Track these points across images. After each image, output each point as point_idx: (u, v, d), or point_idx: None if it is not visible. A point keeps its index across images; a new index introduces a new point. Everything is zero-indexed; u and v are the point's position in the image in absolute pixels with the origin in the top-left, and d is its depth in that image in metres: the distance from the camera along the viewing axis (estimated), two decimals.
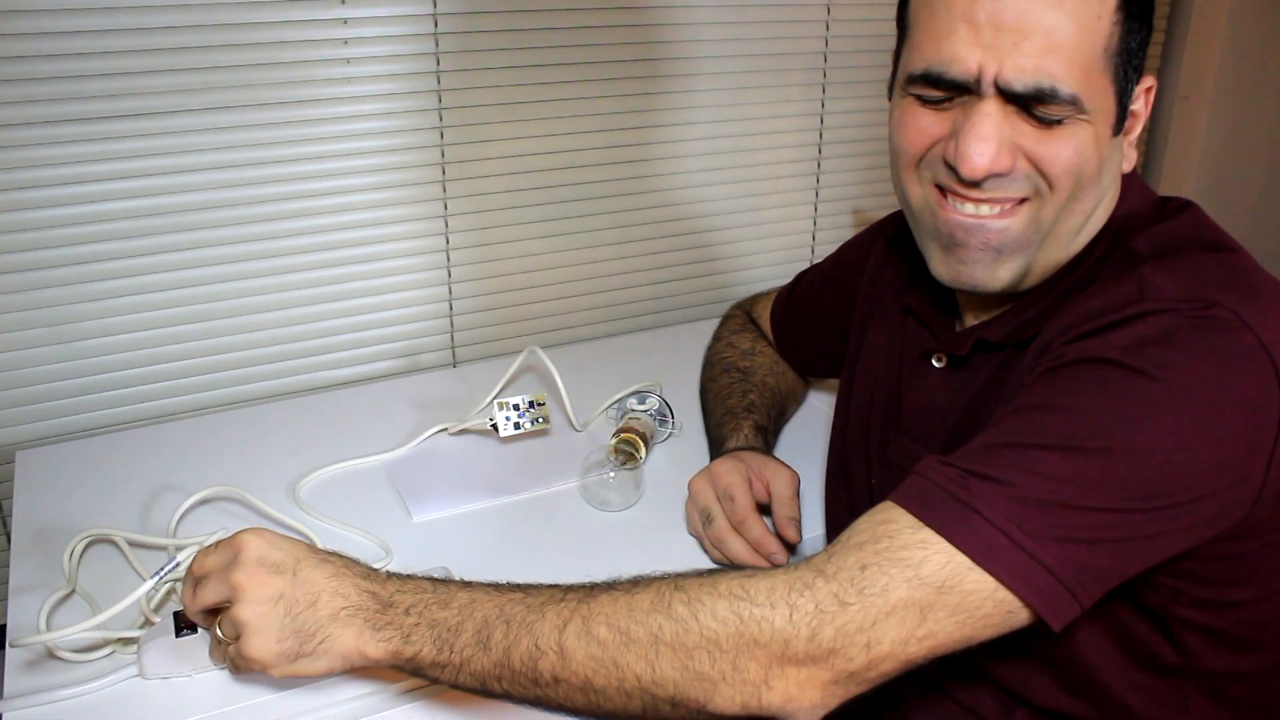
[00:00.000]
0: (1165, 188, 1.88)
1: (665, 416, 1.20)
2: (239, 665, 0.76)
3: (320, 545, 0.82)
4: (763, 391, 1.15)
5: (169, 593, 0.89)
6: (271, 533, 0.76)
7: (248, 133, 1.24)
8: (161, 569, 0.83)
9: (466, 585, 0.74)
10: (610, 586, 0.70)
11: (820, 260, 1.18)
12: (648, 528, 1.05)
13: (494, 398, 1.20)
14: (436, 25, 1.30)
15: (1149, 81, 0.77)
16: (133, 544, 0.98)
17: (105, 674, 0.81)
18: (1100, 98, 0.72)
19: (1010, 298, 0.81)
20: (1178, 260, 0.72)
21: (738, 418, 1.10)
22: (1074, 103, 0.70)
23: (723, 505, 0.97)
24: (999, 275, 0.77)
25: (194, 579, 0.77)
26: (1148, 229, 0.76)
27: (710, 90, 1.50)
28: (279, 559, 0.74)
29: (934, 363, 0.87)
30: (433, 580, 0.75)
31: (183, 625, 0.82)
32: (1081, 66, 0.70)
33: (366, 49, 1.27)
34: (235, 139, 1.24)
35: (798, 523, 0.97)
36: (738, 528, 0.95)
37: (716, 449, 1.08)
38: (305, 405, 1.30)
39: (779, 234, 1.65)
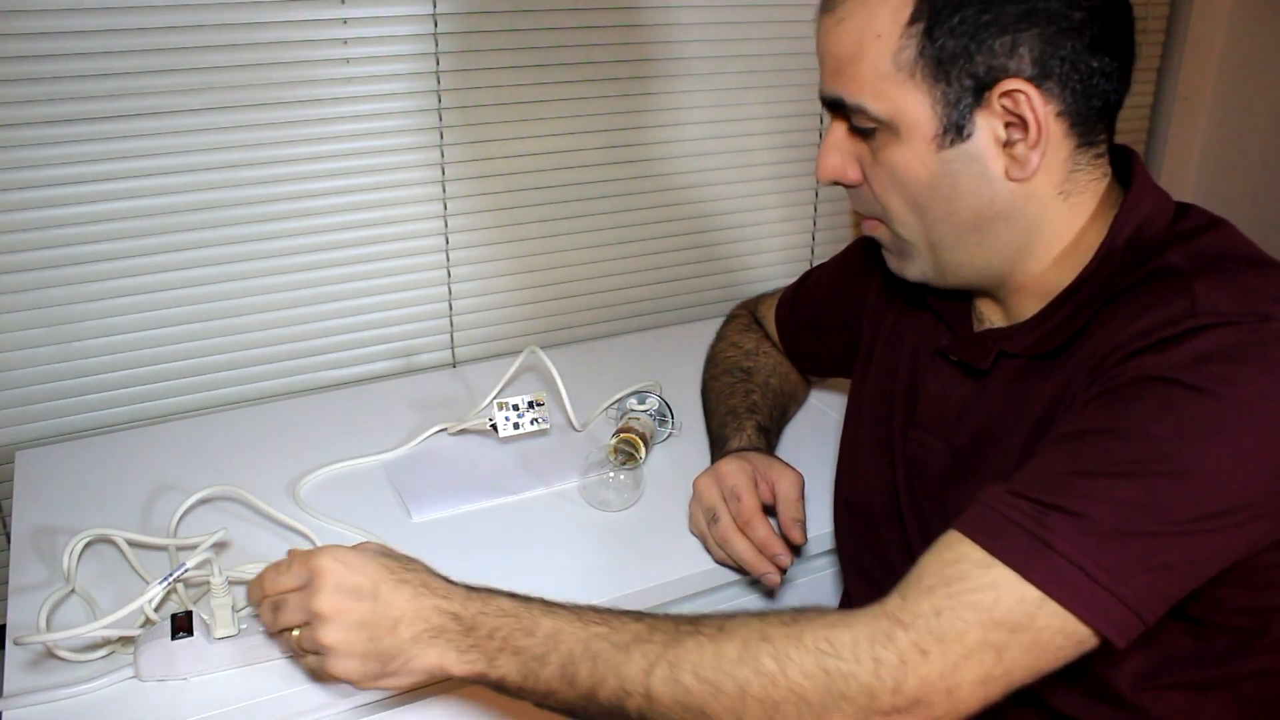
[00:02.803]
0: (1165, 188, 1.88)
1: (665, 416, 1.20)
2: (319, 677, 0.78)
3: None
4: (765, 392, 1.15)
5: (169, 594, 0.89)
6: (345, 551, 0.76)
7: (248, 133, 1.24)
8: (170, 574, 0.83)
9: (548, 610, 0.74)
10: (695, 629, 0.71)
11: (825, 260, 1.17)
12: (648, 528, 1.05)
13: (494, 398, 1.20)
14: (436, 25, 1.30)
15: (1011, 85, 0.72)
16: (133, 544, 0.98)
17: (104, 674, 0.82)
18: (903, 108, 0.75)
19: (1011, 293, 0.82)
20: (1224, 275, 0.72)
21: (740, 418, 1.10)
22: (862, 111, 0.76)
23: (728, 505, 0.97)
24: (906, 271, 0.85)
25: (269, 600, 0.78)
26: (1182, 244, 0.75)
27: (710, 90, 1.50)
28: (359, 583, 0.74)
29: (950, 357, 0.88)
30: (513, 599, 0.75)
31: (179, 628, 0.81)
32: (865, 80, 0.75)
33: (366, 49, 1.27)
34: (235, 139, 1.24)
35: (802, 524, 0.97)
36: (743, 528, 0.95)
37: (719, 449, 1.08)
38: (305, 405, 1.30)
39: (779, 234, 1.65)
